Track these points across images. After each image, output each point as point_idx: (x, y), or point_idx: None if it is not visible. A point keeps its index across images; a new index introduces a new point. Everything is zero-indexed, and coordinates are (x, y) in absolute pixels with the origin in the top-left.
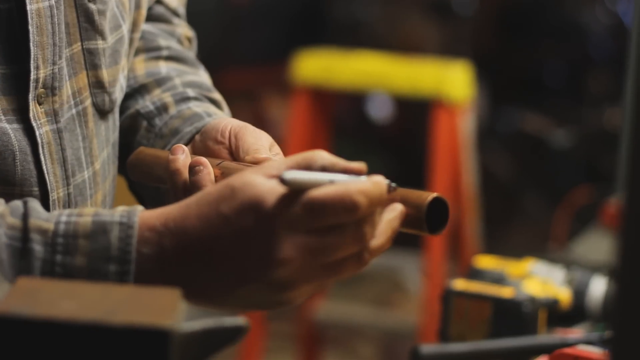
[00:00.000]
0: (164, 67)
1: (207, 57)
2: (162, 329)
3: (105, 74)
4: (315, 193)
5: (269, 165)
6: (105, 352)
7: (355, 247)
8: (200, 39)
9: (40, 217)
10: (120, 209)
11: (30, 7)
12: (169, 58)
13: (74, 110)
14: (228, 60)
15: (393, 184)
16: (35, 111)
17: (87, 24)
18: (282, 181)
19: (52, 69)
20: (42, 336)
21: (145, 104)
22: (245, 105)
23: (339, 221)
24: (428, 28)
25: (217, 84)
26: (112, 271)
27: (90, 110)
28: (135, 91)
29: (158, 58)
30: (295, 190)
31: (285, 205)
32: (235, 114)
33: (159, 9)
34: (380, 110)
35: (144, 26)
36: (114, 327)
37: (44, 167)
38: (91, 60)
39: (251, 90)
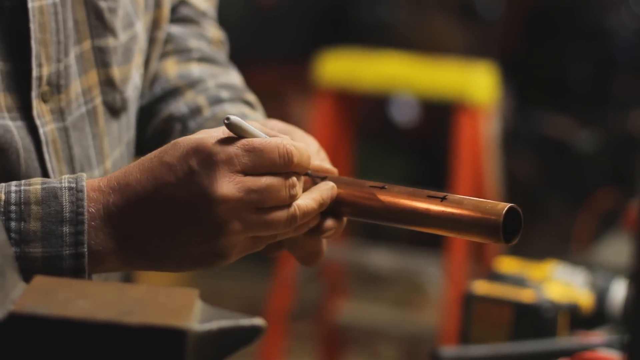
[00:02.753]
0: (196, 69)
1: (232, 56)
2: (178, 329)
3: (116, 73)
4: (256, 139)
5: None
6: (121, 352)
7: (286, 196)
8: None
9: None
10: (66, 177)
11: (32, 4)
12: (201, 60)
13: (83, 109)
14: (253, 60)
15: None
16: (40, 109)
17: (97, 21)
18: (226, 122)
19: (57, 67)
20: (58, 335)
21: (179, 107)
22: (269, 105)
23: (273, 164)
24: (453, 30)
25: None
26: (67, 232)
27: (101, 109)
28: (168, 94)
29: (189, 60)
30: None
31: (226, 145)
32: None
33: (187, 11)
34: (403, 113)
35: (173, 29)
36: (130, 327)
37: (48, 165)
38: (102, 58)
39: (275, 89)
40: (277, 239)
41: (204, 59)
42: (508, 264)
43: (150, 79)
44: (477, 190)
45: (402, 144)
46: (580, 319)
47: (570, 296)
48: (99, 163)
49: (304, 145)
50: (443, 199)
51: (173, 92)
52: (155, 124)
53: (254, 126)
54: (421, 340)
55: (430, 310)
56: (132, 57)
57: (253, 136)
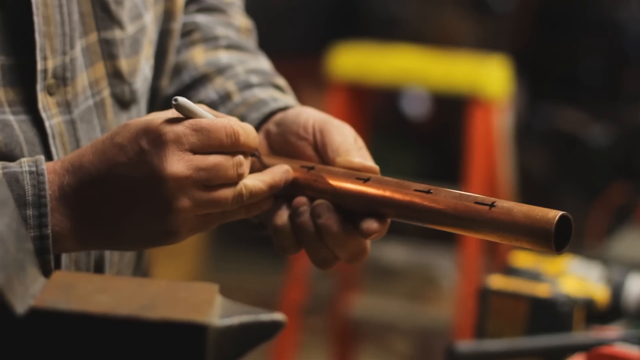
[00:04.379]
0: (224, 56)
1: None
2: (199, 324)
3: (124, 64)
4: (204, 120)
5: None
6: (142, 347)
7: (233, 174)
8: None
9: None
10: (25, 160)
11: None
12: (229, 47)
13: (91, 101)
14: (265, 54)
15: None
16: (46, 102)
17: (103, 13)
18: (174, 103)
19: (63, 59)
20: (78, 330)
21: (208, 93)
22: None
23: (220, 143)
24: (465, 23)
25: None
26: (30, 215)
27: (109, 101)
28: (196, 81)
29: (217, 48)
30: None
31: (174, 125)
32: None
33: (212, 0)
34: (415, 107)
35: (199, 18)
36: (151, 322)
37: (55, 158)
38: (108, 51)
39: (288, 83)
40: (228, 219)
41: (231, 46)
42: (523, 258)
43: (172, 71)
44: (490, 185)
45: (414, 137)
46: (595, 314)
47: (586, 290)
48: None
49: (250, 127)
50: (492, 205)
51: (202, 80)
52: None
53: (202, 108)
54: (434, 334)
55: (443, 305)
56: (140, 49)
57: (200, 117)
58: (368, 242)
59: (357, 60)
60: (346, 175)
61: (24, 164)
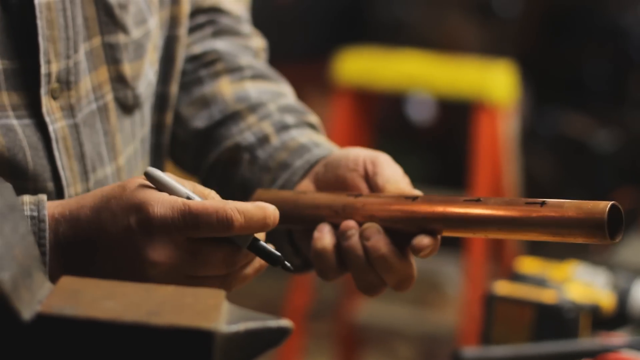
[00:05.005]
0: (252, 90)
1: None
2: (206, 331)
3: (127, 69)
4: (194, 203)
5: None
6: (148, 353)
7: (223, 270)
8: None
9: None
10: (27, 199)
11: (38, 0)
12: (254, 77)
13: (94, 105)
14: (271, 60)
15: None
16: (49, 106)
17: (107, 17)
18: (145, 172)
19: (67, 63)
20: (85, 336)
21: (245, 136)
22: None
23: (210, 229)
24: (470, 28)
25: None
26: None
27: (112, 106)
28: (228, 118)
29: (242, 79)
30: (176, 198)
31: (165, 210)
32: None
33: (226, 21)
34: (421, 112)
35: (218, 44)
36: (158, 328)
37: (58, 162)
38: (112, 55)
39: (294, 89)
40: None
41: (257, 77)
42: (529, 265)
43: (198, 102)
44: (496, 190)
45: (420, 143)
46: (601, 320)
47: (592, 297)
48: (110, 160)
49: (254, 208)
50: (542, 204)
51: (233, 117)
52: (220, 152)
53: (174, 180)
54: (439, 340)
55: (448, 310)
56: (144, 54)
57: (170, 189)
58: (415, 268)
59: (362, 65)
60: (393, 197)
61: (26, 206)
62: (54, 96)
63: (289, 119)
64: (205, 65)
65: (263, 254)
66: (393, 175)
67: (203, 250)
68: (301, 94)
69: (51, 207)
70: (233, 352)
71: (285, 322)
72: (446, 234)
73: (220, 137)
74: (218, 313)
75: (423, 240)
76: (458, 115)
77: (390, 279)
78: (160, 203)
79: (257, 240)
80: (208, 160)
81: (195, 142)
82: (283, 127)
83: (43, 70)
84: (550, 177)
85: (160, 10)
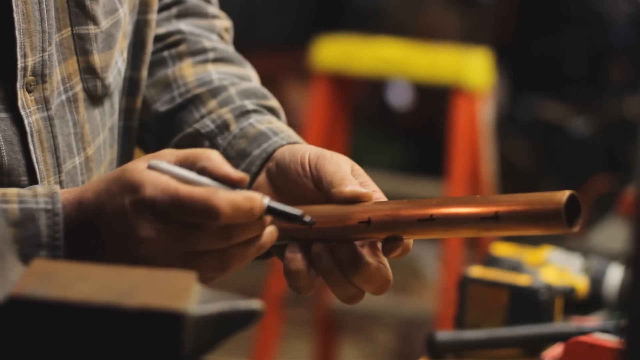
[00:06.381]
0: (214, 73)
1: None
2: (176, 312)
3: (97, 60)
4: (184, 189)
5: (159, 154)
6: (119, 335)
7: (219, 244)
8: None
9: None
10: (41, 191)
11: None
12: (217, 60)
13: (63, 96)
14: (248, 46)
15: (270, 204)
16: (25, 100)
17: (78, 9)
18: (149, 165)
19: (42, 56)
20: (57, 318)
21: (204, 122)
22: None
23: (196, 221)
24: (448, 15)
25: None
26: (43, 256)
27: (81, 96)
28: (189, 102)
29: (205, 62)
30: (170, 182)
31: (157, 190)
32: None
33: (193, 1)
34: (400, 98)
35: (183, 25)
36: (128, 310)
37: (33, 156)
38: (82, 46)
39: (270, 75)
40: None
41: (220, 59)
42: (503, 249)
43: (160, 83)
44: (473, 175)
45: (399, 129)
46: (576, 304)
47: (566, 281)
48: (79, 151)
49: (243, 199)
50: (496, 217)
51: (194, 101)
52: (180, 138)
53: (185, 171)
54: (418, 325)
55: (427, 296)
56: (114, 44)
57: (180, 177)
58: (390, 271)
59: (340, 51)
60: (340, 216)
61: (39, 199)
62: (28, 89)
63: (249, 104)
64: (168, 46)
65: (280, 214)
66: (336, 174)
67: (191, 228)
68: (281, 82)
69: (64, 195)
70: (204, 333)
71: (256, 304)
72: (409, 237)
73: (181, 122)
74: (189, 294)
75: (391, 244)
76: (437, 102)
77: (370, 287)
78: (153, 185)
79: (271, 203)
80: (170, 145)
81: (157, 125)
82: (242, 113)
83: (20, 64)
84: (527, 162)
85: None
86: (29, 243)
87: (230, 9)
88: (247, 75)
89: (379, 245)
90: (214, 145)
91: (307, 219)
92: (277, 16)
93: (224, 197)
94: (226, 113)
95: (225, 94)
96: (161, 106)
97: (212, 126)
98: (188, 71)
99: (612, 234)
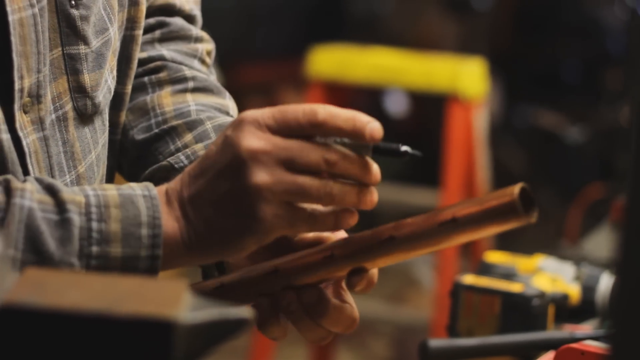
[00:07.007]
0: (192, 104)
1: (225, 52)
2: (167, 320)
3: (87, 79)
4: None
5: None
6: (110, 342)
7: (317, 159)
8: (218, 34)
9: (67, 191)
10: (135, 185)
11: (12, 17)
12: (196, 90)
13: (53, 116)
14: (245, 55)
15: (377, 130)
16: (22, 121)
17: (69, 29)
18: None
19: (37, 77)
20: (48, 326)
21: (178, 156)
22: (262, 100)
23: (297, 122)
24: (445, 24)
25: (234, 78)
26: (145, 234)
27: (71, 115)
28: (165, 133)
29: (185, 91)
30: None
31: (256, 112)
32: (251, 108)
33: (178, 22)
34: (397, 106)
35: (165, 52)
36: (119, 318)
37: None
38: (72, 65)
39: (268, 84)
40: (317, 226)
41: (198, 89)
42: (496, 258)
43: (138, 109)
44: (468, 182)
45: (395, 136)
46: (568, 312)
47: (559, 288)
48: (70, 169)
49: (344, 112)
50: (453, 221)
51: (170, 132)
52: (154, 169)
53: None
54: (413, 333)
55: (422, 304)
56: (104, 63)
57: None
58: (356, 310)
59: (335, 60)
60: (309, 254)
61: (136, 188)
62: (25, 110)
63: None
64: (149, 72)
65: (388, 150)
66: None
67: (296, 140)
68: (278, 91)
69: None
70: (194, 341)
71: (245, 312)
72: (376, 266)
73: (157, 153)
74: (180, 303)
75: (354, 278)
76: (433, 110)
77: (338, 328)
78: (256, 112)
79: (377, 142)
80: (144, 173)
81: (133, 151)
82: None
83: (17, 86)
84: (522, 170)
85: (118, 12)
86: (131, 222)
87: (227, 19)
88: (225, 106)
89: (343, 284)
90: None
91: (414, 151)
92: (274, 26)
93: (322, 105)
94: (200, 150)
95: (202, 128)
96: (138, 133)
97: (186, 162)
98: (167, 100)
99: (605, 242)
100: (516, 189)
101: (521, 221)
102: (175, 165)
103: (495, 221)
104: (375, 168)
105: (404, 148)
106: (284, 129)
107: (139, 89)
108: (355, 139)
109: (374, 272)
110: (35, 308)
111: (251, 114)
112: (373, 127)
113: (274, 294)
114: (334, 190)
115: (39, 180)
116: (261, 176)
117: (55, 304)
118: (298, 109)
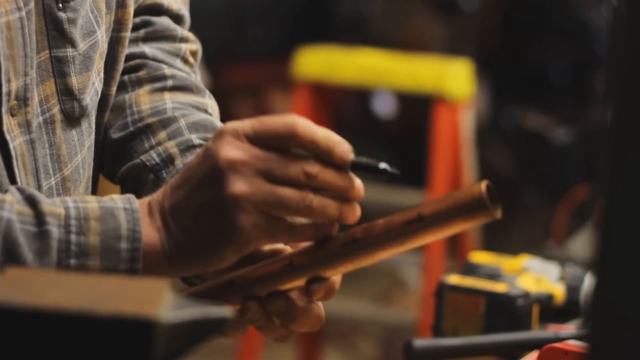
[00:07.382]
0: (169, 102)
1: (213, 53)
2: (147, 319)
3: (74, 82)
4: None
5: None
6: (91, 341)
7: (297, 171)
8: (206, 35)
9: (48, 202)
10: (117, 197)
11: None
12: (174, 88)
13: (40, 118)
14: (233, 56)
15: (352, 157)
16: (9, 124)
17: (56, 32)
18: None
19: (24, 80)
20: (29, 325)
21: (151, 154)
22: (250, 101)
23: (275, 133)
24: (432, 25)
25: (222, 79)
26: (124, 248)
27: (59, 117)
28: (141, 131)
29: (163, 90)
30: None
31: (237, 123)
32: (239, 110)
33: (165, 22)
34: (384, 107)
35: (147, 49)
36: (100, 317)
37: (18, 179)
38: (59, 68)
39: (255, 86)
40: (296, 236)
41: (177, 88)
42: (482, 258)
43: (117, 107)
44: (455, 183)
45: (383, 137)
46: (552, 312)
47: (544, 288)
48: (55, 171)
49: (322, 130)
50: (419, 218)
51: (145, 130)
52: (129, 167)
53: None
54: (400, 333)
55: (409, 304)
56: (92, 65)
57: None
58: (322, 309)
59: (321, 61)
60: (268, 264)
61: (117, 201)
62: (12, 113)
63: (196, 138)
64: (128, 70)
65: (365, 167)
66: None
67: (275, 152)
68: (266, 92)
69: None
70: (176, 340)
71: (226, 311)
72: (344, 272)
73: (132, 151)
74: (161, 301)
75: (314, 286)
76: (420, 111)
77: (305, 328)
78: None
79: (355, 157)
80: (120, 171)
81: (110, 149)
82: (188, 148)
83: (4, 89)
84: (509, 171)
85: (106, 15)
86: (110, 235)
87: (215, 20)
88: (204, 104)
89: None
90: (158, 179)
91: (392, 169)
92: (263, 27)
93: (301, 119)
94: (172, 147)
95: (175, 125)
96: (115, 132)
97: (157, 159)
98: (144, 98)
99: (590, 242)
100: (482, 185)
101: (488, 217)
102: (147, 163)
103: (462, 217)
104: (358, 183)
105: (383, 165)
106: (263, 140)
107: (119, 87)
108: (326, 157)
109: (335, 279)
110: (16, 307)
111: (231, 125)
112: (343, 149)
113: (233, 305)
114: (313, 202)
115: (20, 190)
116: (239, 186)
117: (36, 304)
118: (278, 121)
